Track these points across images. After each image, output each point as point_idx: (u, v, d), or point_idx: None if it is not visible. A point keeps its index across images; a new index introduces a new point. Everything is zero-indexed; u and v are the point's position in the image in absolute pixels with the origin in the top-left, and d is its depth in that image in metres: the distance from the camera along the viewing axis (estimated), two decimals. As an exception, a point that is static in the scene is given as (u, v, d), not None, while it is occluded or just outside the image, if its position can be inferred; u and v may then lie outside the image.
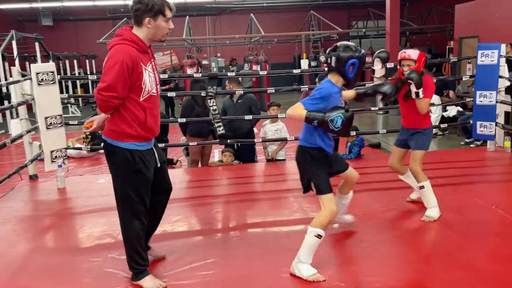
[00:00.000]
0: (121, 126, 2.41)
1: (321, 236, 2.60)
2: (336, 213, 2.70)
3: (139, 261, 2.58)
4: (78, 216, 3.93)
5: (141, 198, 2.50)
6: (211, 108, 4.87)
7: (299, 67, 14.01)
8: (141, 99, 2.41)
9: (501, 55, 5.05)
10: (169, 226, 3.51)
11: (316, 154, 2.70)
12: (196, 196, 4.37)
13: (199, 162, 5.71)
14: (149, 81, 2.43)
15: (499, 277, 2.57)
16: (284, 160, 5.67)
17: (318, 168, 2.70)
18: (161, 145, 5.54)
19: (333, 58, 2.64)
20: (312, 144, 2.70)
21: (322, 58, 2.74)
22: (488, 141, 5.44)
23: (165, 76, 5.37)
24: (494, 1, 10.28)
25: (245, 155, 5.66)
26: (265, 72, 5.47)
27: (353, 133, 5.33)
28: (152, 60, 2.50)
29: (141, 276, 2.59)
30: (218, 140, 5.09)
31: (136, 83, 2.37)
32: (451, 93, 8.44)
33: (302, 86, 5.39)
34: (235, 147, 5.57)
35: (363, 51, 2.69)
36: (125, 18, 15.76)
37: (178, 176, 5.31)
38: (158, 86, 2.54)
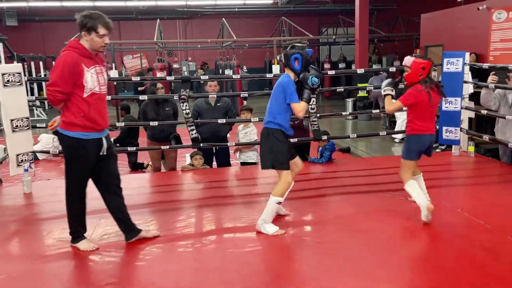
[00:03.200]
0: (69, 117, 2.93)
1: (280, 202, 3.37)
2: (289, 187, 3.39)
3: (77, 227, 3.13)
4: (45, 222, 3.80)
5: (80, 179, 3.04)
6: (184, 111, 4.83)
7: (270, 72, 14.10)
8: (84, 95, 2.91)
9: (465, 63, 5.25)
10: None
11: (278, 132, 3.34)
12: (163, 201, 4.30)
13: (162, 167, 5.75)
14: (91, 81, 2.93)
15: (467, 277, 2.66)
16: (256, 163, 5.70)
17: (283, 147, 3.35)
18: (132, 148, 5.50)
19: (283, 55, 3.39)
20: (273, 126, 3.35)
21: (278, 57, 3.14)
22: (453, 146, 5.63)
23: (137, 79, 5.33)
24: (458, 12, 10.68)
25: (222, 159, 5.67)
26: (239, 76, 5.46)
27: (324, 137, 5.41)
28: (97, 65, 2.99)
29: (78, 240, 3.14)
30: (190, 144, 5.07)
31: (79, 81, 2.87)
32: None
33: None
34: (213, 151, 5.56)
35: (308, 49, 3.36)
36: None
37: (147, 180, 5.24)
38: (104, 87, 3.04)
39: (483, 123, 7.42)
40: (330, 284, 2.64)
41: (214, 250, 3.18)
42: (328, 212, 3.92)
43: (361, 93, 12.17)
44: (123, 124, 5.76)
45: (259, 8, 19.54)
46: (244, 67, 14.63)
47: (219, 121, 5.13)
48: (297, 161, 3.55)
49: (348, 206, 3.95)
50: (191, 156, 5.52)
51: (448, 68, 5.30)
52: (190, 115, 4.88)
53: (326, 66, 17.62)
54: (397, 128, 8.53)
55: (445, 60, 5.33)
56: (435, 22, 11.43)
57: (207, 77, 5.26)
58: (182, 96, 4.77)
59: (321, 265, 2.90)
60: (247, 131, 5.58)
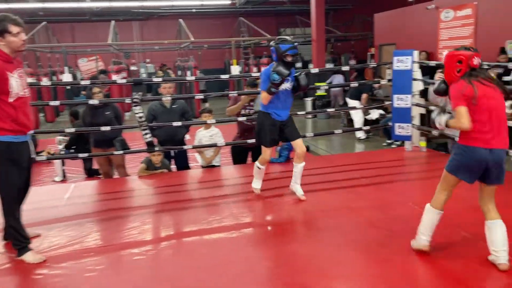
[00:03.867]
0: None
1: (259, 167, 4.11)
2: (265, 161, 4.04)
3: (20, 238, 3.01)
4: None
5: (16, 185, 2.97)
6: (137, 115, 4.72)
7: (230, 73, 14.07)
8: (10, 100, 2.89)
9: (414, 61, 5.42)
10: (92, 241, 3.35)
11: (266, 117, 3.87)
12: (118, 208, 4.17)
13: (111, 173, 5.63)
14: (16, 85, 2.92)
15: (416, 269, 2.74)
16: (219, 166, 5.66)
17: (266, 127, 3.88)
18: (84, 154, 5.32)
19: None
20: (264, 110, 3.90)
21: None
22: (406, 142, 5.80)
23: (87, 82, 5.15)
24: (408, 11, 11.04)
25: (181, 162, 5.58)
26: (193, 78, 5.39)
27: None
28: (18, 68, 2.98)
29: (23, 252, 3.00)
30: (146, 148, 4.95)
31: (4, 87, 2.85)
32: (363, 96, 8.84)
33: (230, 92, 5.38)
34: (172, 154, 5.46)
35: (281, 44, 3.72)
36: (45, 22, 14.91)
37: (100, 187, 5.09)
38: (28, 90, 3.06)
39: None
40: (290, 283, 2.65)
41: (169, 257, 3.11)
42: (286, 212, 3.94)
43: (319, 92, 12.34)
44: (73, 130, 5.53)
45: (217, 9, 19.46)
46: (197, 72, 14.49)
47: (175, 123, 5.03)
48: (296, 142, 3.97)
49: (306, 205, 3.98)
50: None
51: (398, 66, 5.46)
52: (143, 119, 4.77)
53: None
54: (356, 126, 8.70)
55: (395, 58, 5.49)
56: (388, 22, 11.77)
57: (160, 79, 5.16)
58: (134, 100, 4.66)
59: (279, 266, 2.90)
60: (212, 134, 5.48)
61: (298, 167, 4.02)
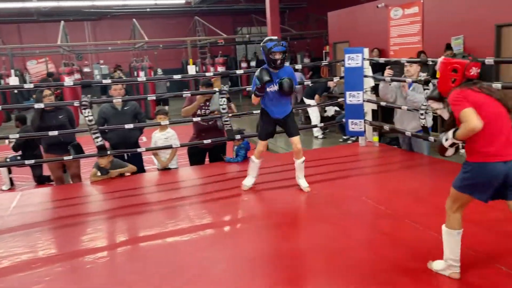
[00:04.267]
0: None
1: (253, 161, 4.28)
2: (259, 153, 4.24)
3: None
4: None
5: None
6: (87, 118, 4.56)
7: (187, 72, 13.91)
8: None
9: (364, 58, 5.55)
10: (40, 251, 3.20)
11: (264, 113, 4.15)
12: (70, 215, 4.00)
13: (64, 179, 5.45)
14: None
15: (368, 262, 2.80)
16: (177, 168, 5.57)
17: (263, 123, 4.17)
18: (31, 161, 5.07)
19: None
20: (263, 106, 4.15)
21: None
22: (360, 137, 5.94)
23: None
24: (360, 9, 11.31)
25: (135, 165, 5.43)
26: (144, 79, 5.27)
27: (238, 136, 5.42)
28: None
29: None
30: (96, 153, 4.80)
31: None
32: (316, 97, 9.05)
33: (184, 92, 5.31)
34: (125, 157, 5.30)
35: (268, 42, 3.89)
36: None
37: (51, 194, 4.89)
38: None
39: (388, 114, 7.92)
40: (243, 286, 2.64)
41: (123, 263, 3.03)
42: (241, 211, 3.93)
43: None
44: (17, 135, 5.26)
45: (171, 8, 19.16)
46: (159, 70, 14.25)
47: (127, 126, 4.90)
48: (292, 140, 4.13)
49: (264, 203, 3.99)
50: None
51: (349, 64, 5.57)
52: (93, 122, 4.61)
53: (244, 65, 17.80)
54: (313, 123, 8.81)
55: (346, 56, 5.60)
56: (341, 20, 12.01)
57: (109, 81, 5.02)
58: (83, 103, 4.50)
59: (233, 267, 2.88)
60: (168, 137, 5.38)
61: (297, 163, 4.19)
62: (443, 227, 2.51)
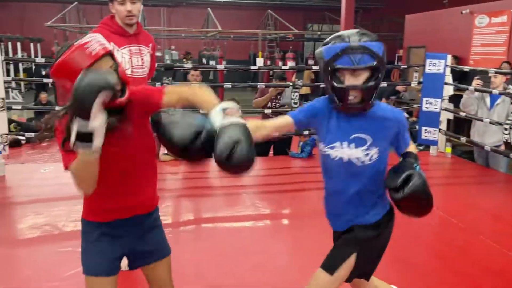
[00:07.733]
0: None
1: None
2: None
3: None
4: (19, 206, 3.70)
5: None
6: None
7: (255, 65, 14.06)
8: None
9: (447, 65, 5.32)
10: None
11: None
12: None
13: None
14: (122, 62, 2.51)
15: (436, 273, 2.71)
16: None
17: None
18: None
19: None
20: None
21: None
22: (431, 146, 5.72)
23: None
24: (441, 14, 10.84)
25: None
26: (222, 66, 5.40)
27: (306, 132, 5.41)
28: (133, 44, 2.65)
29: None
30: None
31: None
32: (383, 100, 8.78)
33: (258, 83, 5.38)
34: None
35: (327, 47, 1.68)
36: (76, 3, 15.11)
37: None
38: (141, 70, 2.72)
39: (460, 125, 7.56)
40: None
41: (190, 241, 3.15)
42: (306, 206, 3.94)
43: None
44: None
45: (245, 0, 19.41)
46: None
47: (201, 111, 5.05)
48: None
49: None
50: None
51: (430, 69, 5.37)
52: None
53: (310, 62, 17.66)
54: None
55: (428, 61, 5.40)
56: (419, 24, 11.57)
57: (191, 65, 5.19)
58: (164, 85, 4.69)
59: (296, 260, 2.90)
60: None
61: None
62: None
